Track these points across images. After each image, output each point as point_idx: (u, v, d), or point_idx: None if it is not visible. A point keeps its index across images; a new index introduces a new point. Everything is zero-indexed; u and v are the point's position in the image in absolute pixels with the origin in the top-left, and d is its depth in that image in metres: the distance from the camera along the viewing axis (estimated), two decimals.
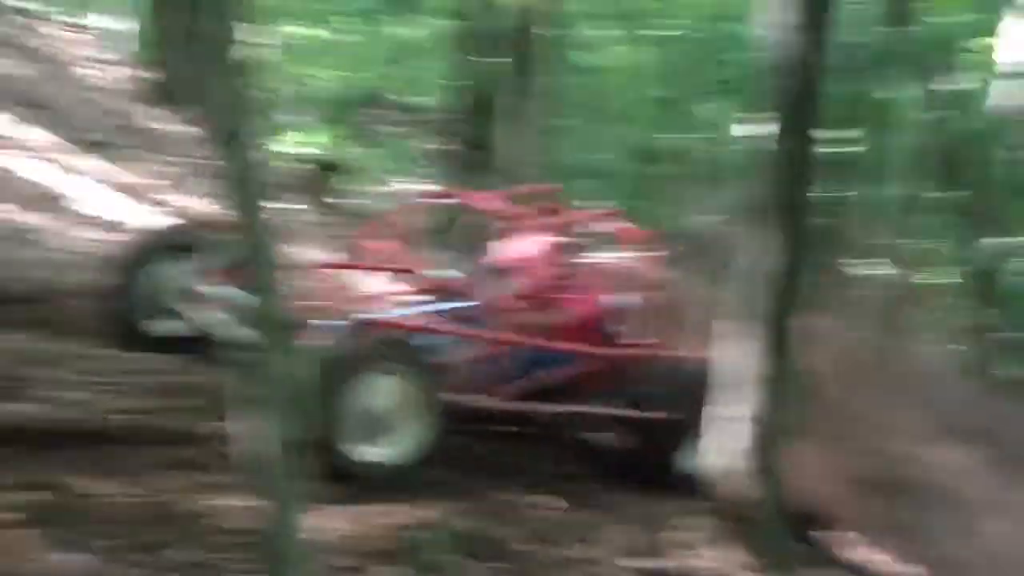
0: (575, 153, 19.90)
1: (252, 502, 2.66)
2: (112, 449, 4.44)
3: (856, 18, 10.47)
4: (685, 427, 5.97)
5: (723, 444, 4.78)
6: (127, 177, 9.76)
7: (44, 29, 14.36)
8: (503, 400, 5.59)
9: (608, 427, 6.47)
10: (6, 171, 8.16)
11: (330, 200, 13.09)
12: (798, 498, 5.86)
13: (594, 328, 6.13)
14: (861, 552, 5.94)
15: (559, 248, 6.31)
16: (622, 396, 6.18)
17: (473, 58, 14.37)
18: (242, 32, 2.32)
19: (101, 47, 15.36)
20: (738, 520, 4.88)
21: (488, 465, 5.70)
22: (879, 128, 11.37)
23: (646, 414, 6.05)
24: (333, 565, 3.81)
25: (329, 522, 4.05)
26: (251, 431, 2.56)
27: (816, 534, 6.00)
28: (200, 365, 5.33)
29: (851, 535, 6.03)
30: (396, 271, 6.81)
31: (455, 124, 14.40)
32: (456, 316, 6.02)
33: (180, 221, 7.86)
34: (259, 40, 2.35)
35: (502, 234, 6.80)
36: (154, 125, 11.72)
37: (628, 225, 6.76)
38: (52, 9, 18.20)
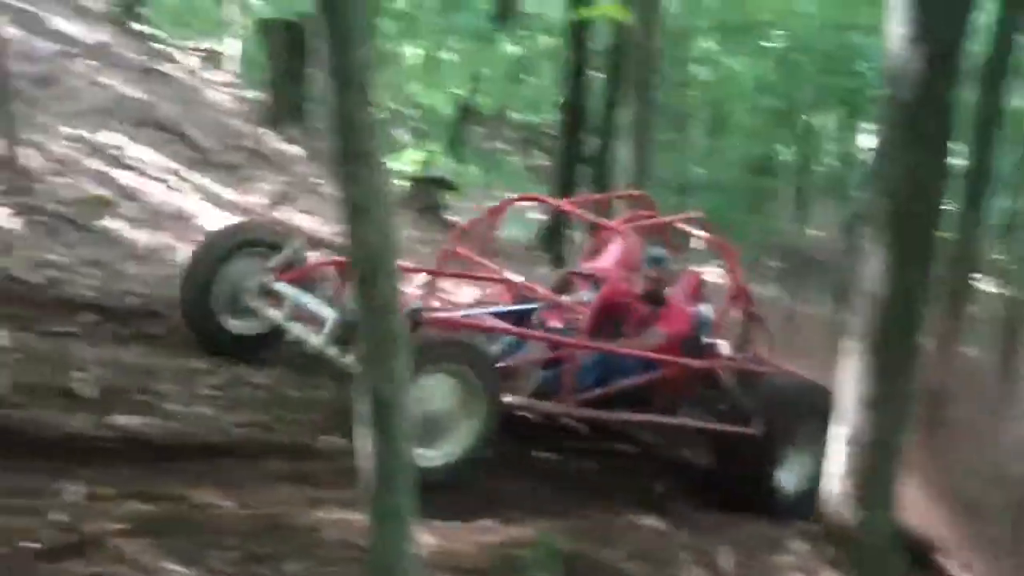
0: (691, 166, 19.72)
1: (366, 516, 2.65)
2: (230, 462, 4.52)
3: (975, 27, 10.10)
4: (777, 445, 5.91)
5: (838, 466, 4.61)
6: (247, 196, 10.04)
7: (172, 54, 14.92)
8: (571, 406, 5.44)
9: (694, 442, 6.31)
10: (135, 191, 8.46)
11: (440, 216, 13.23)
12: (911, 521, 5.66)
13: (679, 338, 5.97)
14: None
15: (640, 255, 6.17)
16: (708, 409, 6.04)
17: (582, 74, 14.42)
18: (366, 52, 2.32)
19: (225, 71, 15.88)
20: (851, 544, 4.70)
21: (580, 482, 5.64)
22: (998, 140, 10.89)
23: (732, 429, 5.88)
24: None
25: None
26: (369, 446, 2.56)
27: (930, 558, 5.78)
28: (319, 380, 5.43)
29: (965, 559, 5.78)
30: (478, 277, 6.78)
31: (564, 140, 14.43)
32: (527, 320, 5.96)
33: (257, 220, 7.99)
34: (377, 59, 2.35)
35: (595, 242, 6.73)
36: (272, 145, 12.05)
37: (712, 233, 6.59)
38: (179, 34, 18.94)
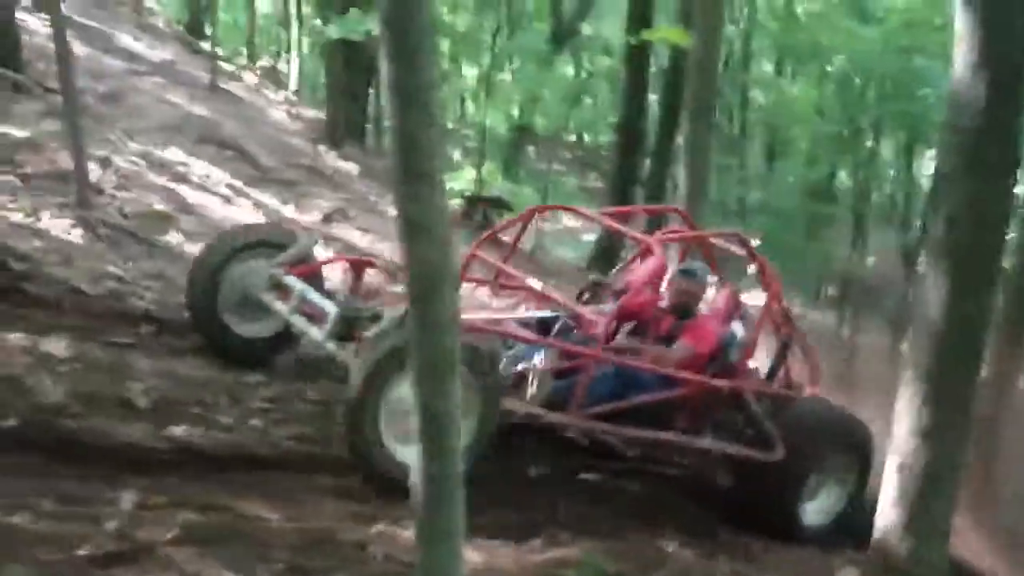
0: (748, 190, 19.60)
1: (414, 533, 2.66)
2: (279, 475, 4.56)
3: None
4: (800, 473, 5.73)
5: (891, 495, 4.53)
6: (304, 212, 10.18)
7: (234, 72, 15.20)
8: (579, 418, 5.21)
9: (715, 464, 6.11)
10: (196, 206, 8.62)
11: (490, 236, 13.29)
12: (964, 553, 5.53)
13: (704, 355, 5.76)
14: None
15: (667, 268, 5.99)
16: (732, 432, 5.84)
17: (640, 96, 14.43)
18: (429, 72, 2.35)
19: (285, 89, 16.14)
20: (902, 575, 4.60)
21: (628, 504, 5.59)
22: None
23: (749, 453, 5.69)
24: None
25: None
26: (421, 462, 2.57)
27: None
28: None
29: None
30: (497, 284, 6.69)
31: (620, 161, 14.44)
32: (548, 328, 5.82)
33: (264, 221, 7.95)
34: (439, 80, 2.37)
35: (634, 255, 6.63)
36: (329, 163, 12.21)
37: (754, 251, 6.32)
38: (242, 53, 19.30)
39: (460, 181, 14.29)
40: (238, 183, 9.88)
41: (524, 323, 5.99)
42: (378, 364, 4.51)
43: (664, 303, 6.05)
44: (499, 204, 13.68)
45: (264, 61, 19.14)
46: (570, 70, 19.22)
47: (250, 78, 15.85)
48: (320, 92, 15.73)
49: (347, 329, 5.12)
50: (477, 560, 4.06)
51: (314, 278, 5.72)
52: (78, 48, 10.53)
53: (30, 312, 5.58)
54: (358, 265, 5.95)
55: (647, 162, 14.77)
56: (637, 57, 14.19)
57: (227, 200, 9.25)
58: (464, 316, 5.55)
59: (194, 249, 7.46)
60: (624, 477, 5.92)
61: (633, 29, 13.36)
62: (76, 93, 7.51)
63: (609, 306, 5.83)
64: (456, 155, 17.18)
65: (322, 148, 12.83)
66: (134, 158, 8.93)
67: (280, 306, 5.43)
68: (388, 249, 9.35)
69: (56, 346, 4.98)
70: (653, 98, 15.48)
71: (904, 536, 4.45)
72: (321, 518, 4.19)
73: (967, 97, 4.26)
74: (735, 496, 5.92)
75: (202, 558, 3.45)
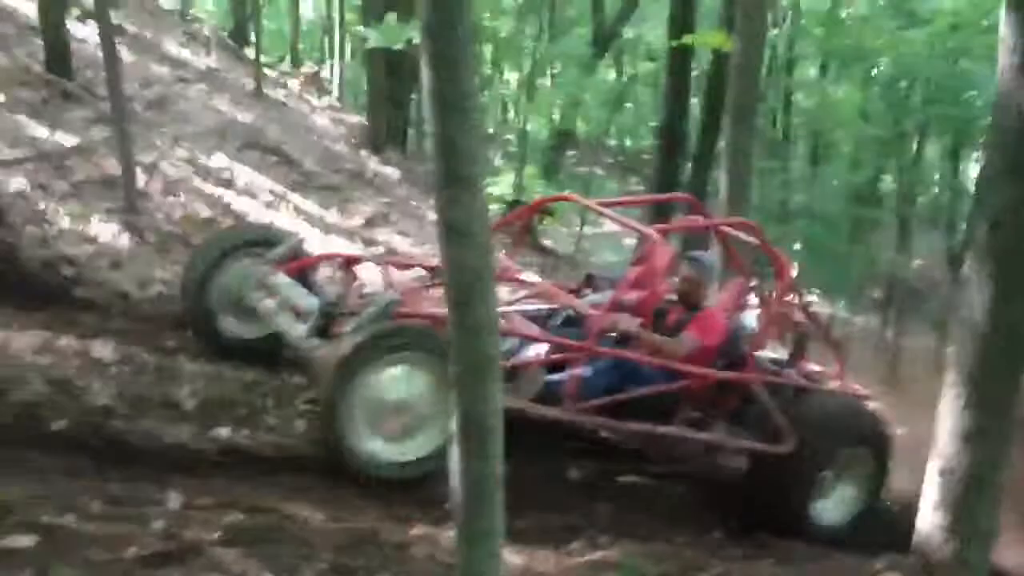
0: (792, 194, 19.45)
1: (455, 534, 2.69)
2: (322, 477, 4.63)
3: None
4: (810, 466, 5.58)
5: (933, 498, 4.49)
6: (347, 217, 10.27)
7: (278, 79, 15.37)
8: (572, 413, 5.09)
9: (724, 458, 5.98)
10: (241, 211, 8.73)
11: (536, 240, 13.32)
12: (1007, 557, 5.45)
13: (712, 346, 5.60)
14: None
15: (670, 258, 5.81)
16: (743, 425, 5.70)
17: (681, 100, 14.39)
18: (469, 78, 2.38)
19: (328, 96, 16.29)
20: None
21: (668, 507, 5.57)
22: None
23: (755, 445, 5.55)
24: None
25: None
26: (461, 465, 2.59)
27: None
28: None
29: None
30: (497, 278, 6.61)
31: (661, 165, 14.40)
32: (538, 321, 5.66)
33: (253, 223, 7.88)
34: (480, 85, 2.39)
35: (644, 249, 6.33)
36: (371, 168, 12.30)
37: (769, 244, 6.16)
38: (285, 60, 19.50)
39: (501, 186, 14.33)
40: (282, 188, 9.99)
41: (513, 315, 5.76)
42: (347, 359, 4.47)
43: (672, 294, 5.91)
44: (540, 209, 13.70)
45: (307, 68, 19.33)
46: (612, 74, 19.21)
47: (294, 85, 16.02)
48: (362, 98, 15.83)
49: (327, 325, 5.07)
50: (517, 562, 4.08)
51: (306, 275, 5.68)
52: (126, 56, 10.70)
53: (80, 316, 5.71)
54: (351, 262, 5.89)
55: (688, 166, 14.72)
56: (679, 61, 14.15)
57: (271, 205, 9.36)
58: (436, 308, 5.37)
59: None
60: (665, 480, 5.92)
61: (675, 33, 13.33)
62: (124, 100, 7.64)
63: (602, 296, 5.69)
64: (497, 160, 17.22)
65: (364, 153, 12.94)
66: (180, 164, 9.06)
67: (265, 305, 5.40)
68: (426, 253, 9.40)
69: (105, 349, 5.08)
70: (695, 102, 15.43)
71: (947, 539, 4.42)
72: (364, 519, 4.24)
73: (1011, 99, 4.22)
74: (745, 491, 5.77)
75: (247, 558, 3.50)
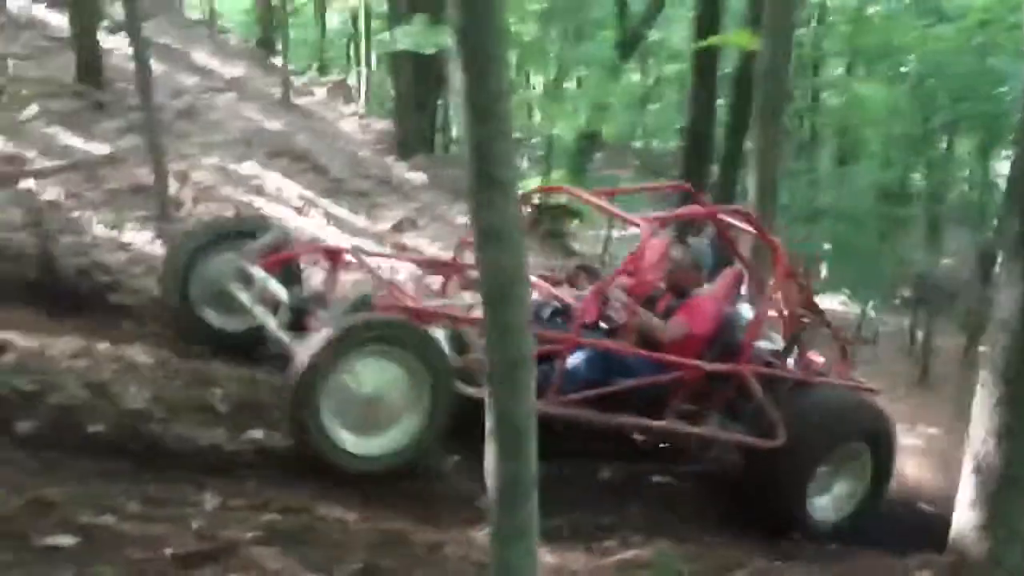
0: (819, 194, 19.32)
1: (489, 534, 2.71)
2: (354, 477, 4.66)
3: None
4: (804, 461, 5.47)
5: (968, 496, 4.46)
6: (375, 222, 10.33)
7: (305, 86, 15.48)
8: (554, 405, 4.96)
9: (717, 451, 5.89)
10: (272, 218, 8.79)
11: (564, 243, 13.33)
12: None
13: (703, 335, 5.51)
14: None
15: (661, 248, 5.75)
16: (736, 418, 5.59)
17: (707, 101, 14.35)
18: (502, 82, 2.41)
19: (354, 102, 16.38)
20: None
21: (700, 506, 5.56)
22: None
23: (746, 439, 5.44)
24: None
25: None
26: (496, 465, 2.61)
27: None
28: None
29: None
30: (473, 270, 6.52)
31: (687, 167, 14.36)
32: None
33: (232, 213, 7.86)
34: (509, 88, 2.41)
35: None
36: (398, 174, 12.36)
37: (765, 231, 6.03)
38: (312, 68, 19.64)
39: (527, 189, 14.33)
40: (311, 194, 10.06)
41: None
42: (318, 352, 4.42)
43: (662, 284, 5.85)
44: (565, 212, 13.71)
45: (334, 75, 19.45)
46: (637, 76, 19.19)
47: (321, 92, 16.12)
48: (388, 104, 15.89)
49: (299, 319, 5.04)
50: (551, 561, 4.11)
51: (292, 267, 5.67)
52: (156, 66, 10.80)
53: (115, 322, 5.78)
54: (334, 255, 5.84)
55: (714, 167, 14.67)
56: (705, 62, 14.11)
57: (300, 211, 9.43)
58: (409, 301, 5.47)
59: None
60: (698, 479, 5.91)
61: (700, 34, 13.30)
62: (156, 110, 7.73)
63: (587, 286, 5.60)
64: (523, 164, 17.24)
65: (391, 159, 13.00)
66: (211, 172, 9.16)
67: (243, 296, 5.37)
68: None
69: (140, 354, 5.15)
70: (720, 103, 15.37)
71: (982, 538, 4.39)
72: (395, 519, 4.27)
73: None
74: (742, 486, 5.69)
75: (282, 557, 3.55)
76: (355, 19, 20.61)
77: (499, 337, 2.59)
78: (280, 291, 5.19)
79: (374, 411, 4.61)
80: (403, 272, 7.12)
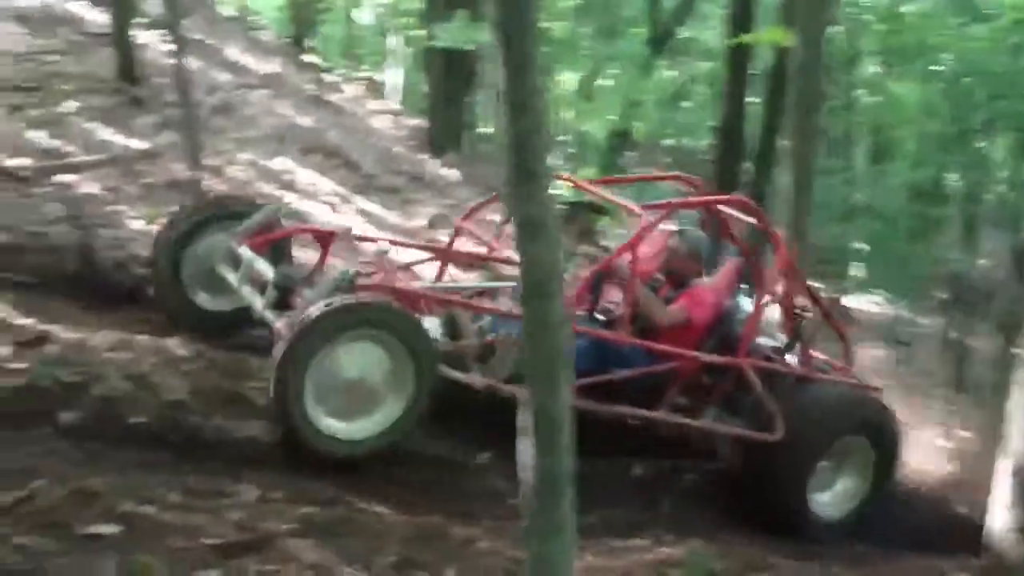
0: (853, 193, 19.20)
1: (524, 529, 2.72)
2: (390, 471, 4.70)
3: None
4: (802, 456, 5.39)
5: (1004, 498, 4.44)
6: (408, 219, 10.37)
7: (338, 83, 15.56)
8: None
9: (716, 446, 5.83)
10: (304, 213, 8.86)
11: (597, 241, 13.31)
12: None
13: (700, 326, 5.45)
14: None
15: (657, 237, 5.65)
16: (735, 411, 5.53)
17: (740, 99, 14.29)
18: (538, 79, 2.43)
19: (387, 99, 16.44)
20: None
21: (732, 505, 5.55)
22: None
23: (740, 432, 5.37)
24: None
25: None
26: (532, 459, 2.62)
27: None
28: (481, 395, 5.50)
29: None
30: (470, 257, 6.55)
31: (720, 165, 14.31)
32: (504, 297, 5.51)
33: (223, 195, 7.78)
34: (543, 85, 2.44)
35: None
36: (431, 170, 12.40)
37: (765, 220, 5.97)
38: (345, 64, 19.74)
39: (558, 187, 14.34)
40: (344, 191, 10.11)
41: (481, 292, 5.65)
42: (300, 332, 4.39)
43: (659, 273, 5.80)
44: (596, 209, 13.70)
45: (367, 71, 19.53)
46: (668, 74, 19.12)
47: (353, 88, 16.19)
48: (420, 101, 15.93)
49: (284, 298, 5.01)
50: (585, 558, 4.12)
51: (283, 248, 5.65)
52: (191, 63, 10.92)
53: (153, 314, 5.85)
54: (324, 237, 5.79)
55: (747, 165, 14.60)
56: (738, 59, 14.04)
57: (333, 207, 9.49)
58: (396, 283, 5.39)
59: (301, 255, 7.69)
60: (729, 479, 5.90)
61: (733, 31, 13.24)
62: (193, 107, 7.81)
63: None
64: (555, 161, 17.25)
65: (424, 156, 13.04)
66: (245, 167, 9.23)
67: (231, 276, 5.36)
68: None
69: (178, 346, 5.21)
70: (753, 100, 15.30)
71: (1020, 539, 4.37)
72: (431, 513, 4.31)
73: None
74: (741, 481, 5.63)
75: (319, 549, 3.60)
76: (387, 15, 20.70)
77: (537, 330, 2.60)
78: (267, 270, 5.17)
79: (357, 394, 4.57)
80: (395, 254, 7.11)
